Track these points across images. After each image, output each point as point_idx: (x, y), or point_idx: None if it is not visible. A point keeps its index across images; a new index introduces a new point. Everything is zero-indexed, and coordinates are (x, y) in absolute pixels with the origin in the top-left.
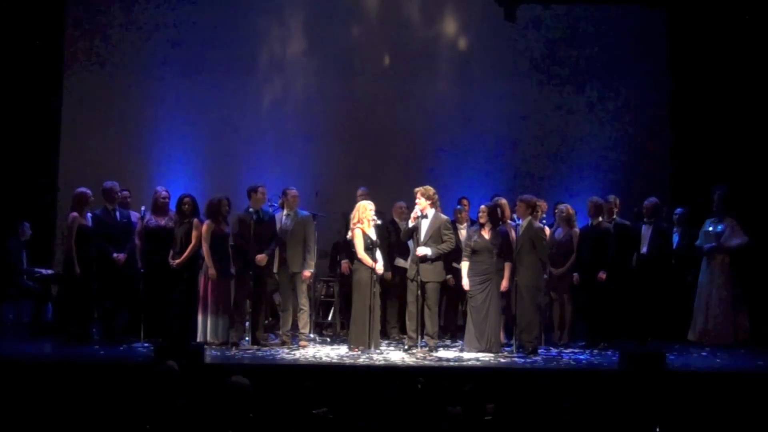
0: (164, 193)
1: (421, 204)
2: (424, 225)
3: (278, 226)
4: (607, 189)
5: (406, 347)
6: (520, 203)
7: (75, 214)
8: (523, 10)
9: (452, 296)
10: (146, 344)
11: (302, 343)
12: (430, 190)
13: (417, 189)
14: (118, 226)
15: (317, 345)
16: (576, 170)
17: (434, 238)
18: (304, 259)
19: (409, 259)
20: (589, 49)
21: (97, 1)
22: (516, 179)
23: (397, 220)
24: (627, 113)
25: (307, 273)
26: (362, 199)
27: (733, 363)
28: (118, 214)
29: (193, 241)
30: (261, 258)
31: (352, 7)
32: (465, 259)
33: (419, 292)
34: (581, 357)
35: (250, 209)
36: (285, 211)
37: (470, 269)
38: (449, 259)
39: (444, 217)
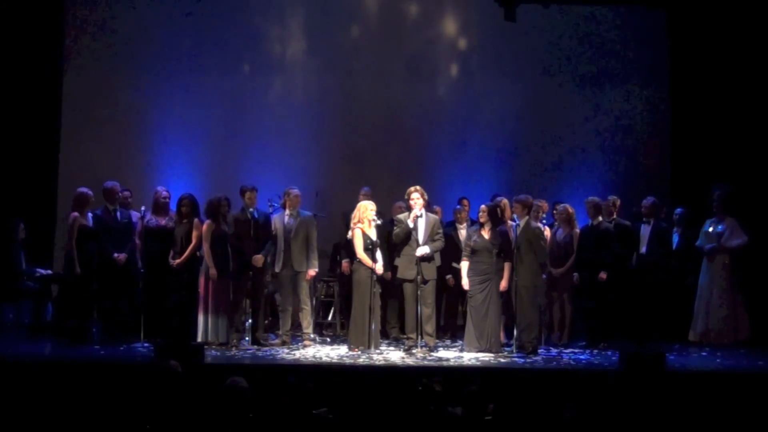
0: (164, 193)
1: (419, 203)
2: (420, 225)
3: (281, 226)
4: (607, 189)
5: (406, 347)
6: (517, 204)
7: (76, 214)
8: (523, 10)
9: (452, 296)
10: (146, 344)
11: (306, 342)
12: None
13: (415, 188)
14: (119, 226)
15: (317, 345)
16: (576, 170)
17: (431, 237)
18: (307, 259)
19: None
20: (589, 49)
21: (97, 1)
22: (516, 179)
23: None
24: (627, 113)
25: (312, 272)
26: (365, 199)
27: (733, 363)
28: (118, 214)
29: (194, 240)
30: (258, 258)
31: (352, 7)
32: (465, 259)
33: (418, 291)
34: (581, 357)
35: (250, 209)
36: (287, 211)
37: (470, 269)
38: (449, 258)
39: (435, 216)
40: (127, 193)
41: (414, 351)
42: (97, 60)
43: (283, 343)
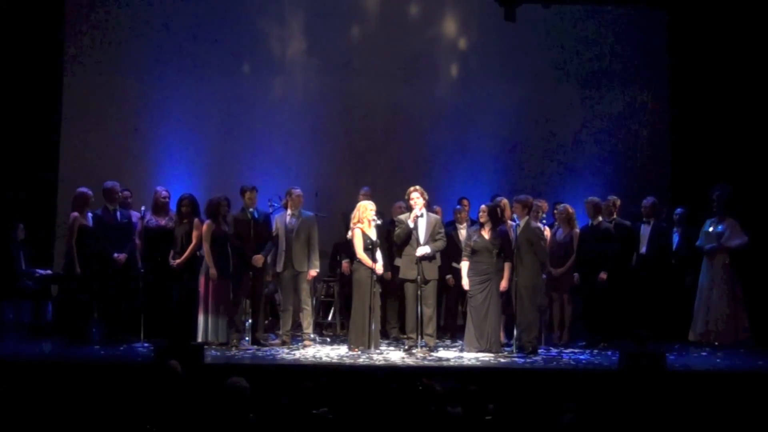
0: (164, 193)
1: (419, 203)
2: (421, 224)
3: (283, 226)
4: (607, 189)
5: (406, 347)
6: (516, 204)
7: (76, 214)
8: (523, 10)
9: (452, 296)
10: (146, 344)
11: (306, 342)
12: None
13: (415, 188)
14: (119, 226)
15: (317, 345)
16: (576, 170)
17: (432, 236)
18: (309, 259)
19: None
20: (590, 49)
21: (97, 1)
22: (516, 179)
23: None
24: (627, 113)
25: (313, 273)
26: (365, 199)
27: (733, 363)
28: (118, 214)
29: (194, 241)
30: (258, 258)
31: (352, 7)
32: (465, 259)
33: (419, 291)
34: (581, 357)
35: (250, 209)
36: (289, 211)
37: (470, 269)
38: (449, 258)
39: (436, 216)
40: (127, 193)
41: (414, 351)
42: (97, 60)
43: (283, 343)
